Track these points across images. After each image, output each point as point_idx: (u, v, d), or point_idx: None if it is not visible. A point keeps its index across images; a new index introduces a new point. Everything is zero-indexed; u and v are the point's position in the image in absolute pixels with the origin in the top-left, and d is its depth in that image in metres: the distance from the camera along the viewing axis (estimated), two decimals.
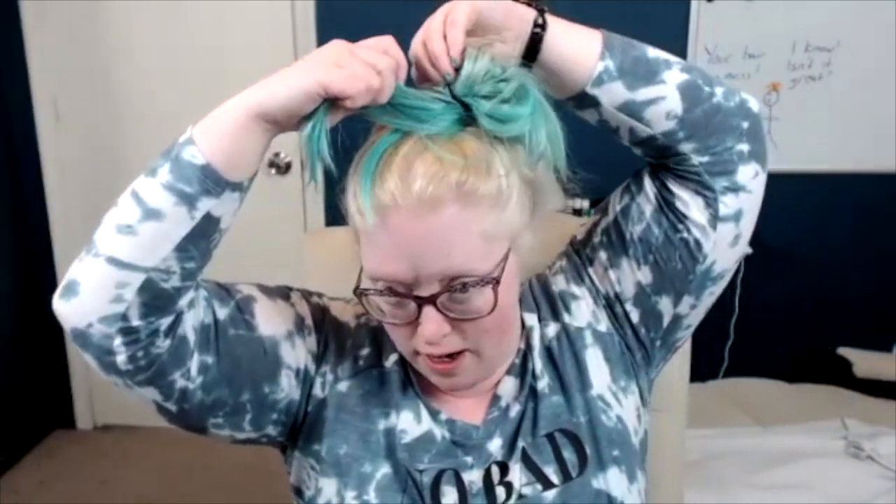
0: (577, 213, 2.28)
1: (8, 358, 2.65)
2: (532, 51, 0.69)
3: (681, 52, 2.43)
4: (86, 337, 0.62)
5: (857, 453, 1.74)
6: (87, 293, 0.61)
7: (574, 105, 0.72)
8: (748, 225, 0.74)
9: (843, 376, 2.29)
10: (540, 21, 0.68)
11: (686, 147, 0.70)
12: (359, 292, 0.69)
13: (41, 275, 2.72)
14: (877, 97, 2.41)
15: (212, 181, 0.61)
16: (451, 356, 0.71)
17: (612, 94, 0.70)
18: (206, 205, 0.62)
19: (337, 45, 0.62)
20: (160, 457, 2.62)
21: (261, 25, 2.53)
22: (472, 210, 0.65)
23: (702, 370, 2.33)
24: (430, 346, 0.69)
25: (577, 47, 0.69)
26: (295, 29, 2.51)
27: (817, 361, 2.52)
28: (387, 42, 0.63)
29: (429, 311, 0.67)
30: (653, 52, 0.71)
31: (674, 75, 0.70)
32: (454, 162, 0.64)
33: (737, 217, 0.72)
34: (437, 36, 0.65)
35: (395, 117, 0.65)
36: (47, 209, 2.70)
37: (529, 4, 0.69)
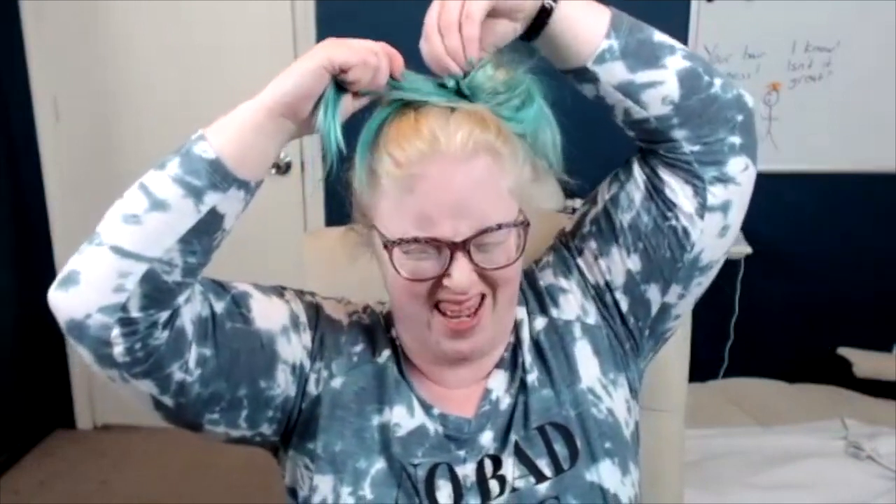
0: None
1: (8, 358, 2.65)
2: (536, 27, 0.71)
3: None
4: (83, 328, 0.62)
5: (857, 453, 1.74)
6: (88, 282, 0.62)
7: (573, 78, 0.74)
8: (736, 217, 0.75)
9: (843, 376, 2.29)
10: (548, 5, 0.69)
11: (678, 134, 0.72)
12: (391, 243, 0.70)
13: (41, 274, 2.71)
14: (877, 97, 2.41)
15: (220, 175, 0.63)
16: (470, 315, 0.72)
17: (612, 73, 0.71)
18: (212, 199, 0.63)
19: (331, 39, 0.66)
20: (160, 457, 2.62)
21: (261, 25, 2.53)
22: (500, 165, 0.69)
23: (702, 370, 2.33)
24: (458, 295, 0.71)
25: (584, 24, 0.71)
26: (295, 29, 2.51)
27: (817, 361, 2.51)
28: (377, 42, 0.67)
29: (460, 257, 0.69)
30: (659, 37, 0.73)
31: (675, 61, 0.72)
32: (484, 119, 0.68)
33: (724, 208, 0.74)
34: (453, 29, 0.67)
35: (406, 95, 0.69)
36: (47, 209, 2.70)
37: None
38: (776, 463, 1.72)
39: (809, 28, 2.39)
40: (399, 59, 0.68)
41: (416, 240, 0.68)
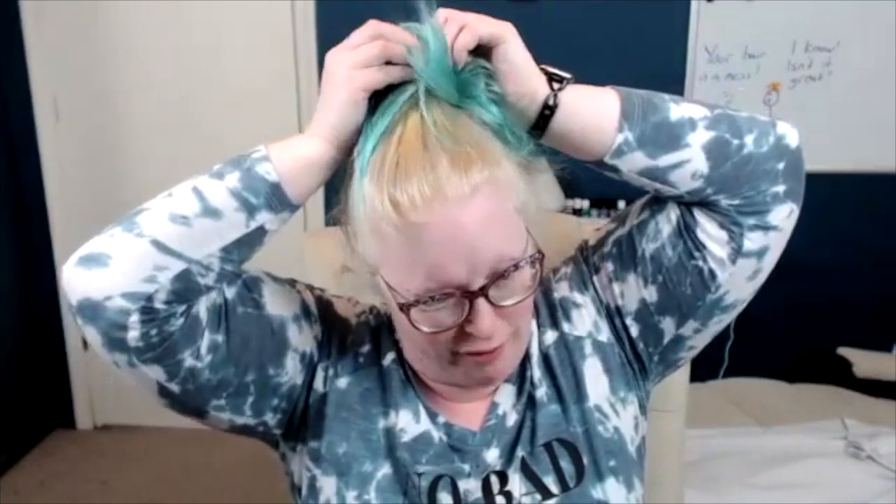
0: (577, 212, 2.28)
1: (8, 358, 2.65)
2: (542, 123, 0.67)
3: (681, 52, 2.43)
4: (98, 309, 0.61)
5: (857, 453, 1.74)
6: (119, 267, 0.61)
7: (593, 166, 0.70)
8: (771, 261, 0.71)
9: (843, 376, 2.29)
10: (551, 102, 0.66)
11: (716, 198, 0.68)
12: (407, 306, 0.66)
13: (41, 275, 2.71)
14: (877, 97, 2.41)
15: (277, 199, 0.65)
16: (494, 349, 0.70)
17: (633, 163, 0.67)
18: (263, 217, 0.65)
19: (339, 58, 0.64)
20: (160, 457, 2.62)
21: (261, 25, 2.53)
22: (499, 186, 0.64)
23: (702, 370, 2.33)
24: (484, 341, 0.68)
25: (593, 120, 0.67)
26: (295, 29, 2.51)
27: (817, 361, 2.51)
28: (371, 27, 0.64)
29: (481, 304, 0.65)
30: (676, 113, 0.67)
31: (698, 136, 0.66)
32: (473, 148, 0.63)
33: (760, 253, 0.69)
34: (454, 23, 0.63)
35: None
36: (47, 209, 2.70)
37: (550, 77, 0.66)
38: (776, 463, 1.72)
39: (809, 28, 2.39)
40: (388, 29, 0.64)
41: (432, 298, 0.65)
